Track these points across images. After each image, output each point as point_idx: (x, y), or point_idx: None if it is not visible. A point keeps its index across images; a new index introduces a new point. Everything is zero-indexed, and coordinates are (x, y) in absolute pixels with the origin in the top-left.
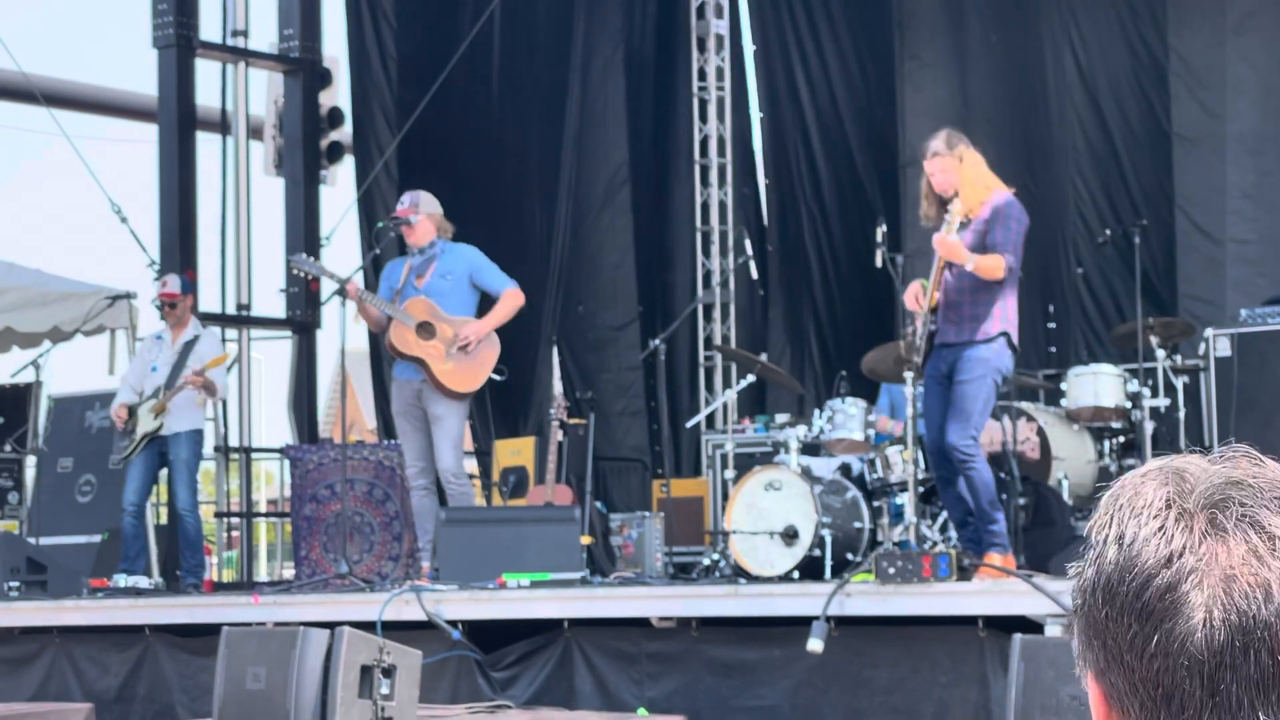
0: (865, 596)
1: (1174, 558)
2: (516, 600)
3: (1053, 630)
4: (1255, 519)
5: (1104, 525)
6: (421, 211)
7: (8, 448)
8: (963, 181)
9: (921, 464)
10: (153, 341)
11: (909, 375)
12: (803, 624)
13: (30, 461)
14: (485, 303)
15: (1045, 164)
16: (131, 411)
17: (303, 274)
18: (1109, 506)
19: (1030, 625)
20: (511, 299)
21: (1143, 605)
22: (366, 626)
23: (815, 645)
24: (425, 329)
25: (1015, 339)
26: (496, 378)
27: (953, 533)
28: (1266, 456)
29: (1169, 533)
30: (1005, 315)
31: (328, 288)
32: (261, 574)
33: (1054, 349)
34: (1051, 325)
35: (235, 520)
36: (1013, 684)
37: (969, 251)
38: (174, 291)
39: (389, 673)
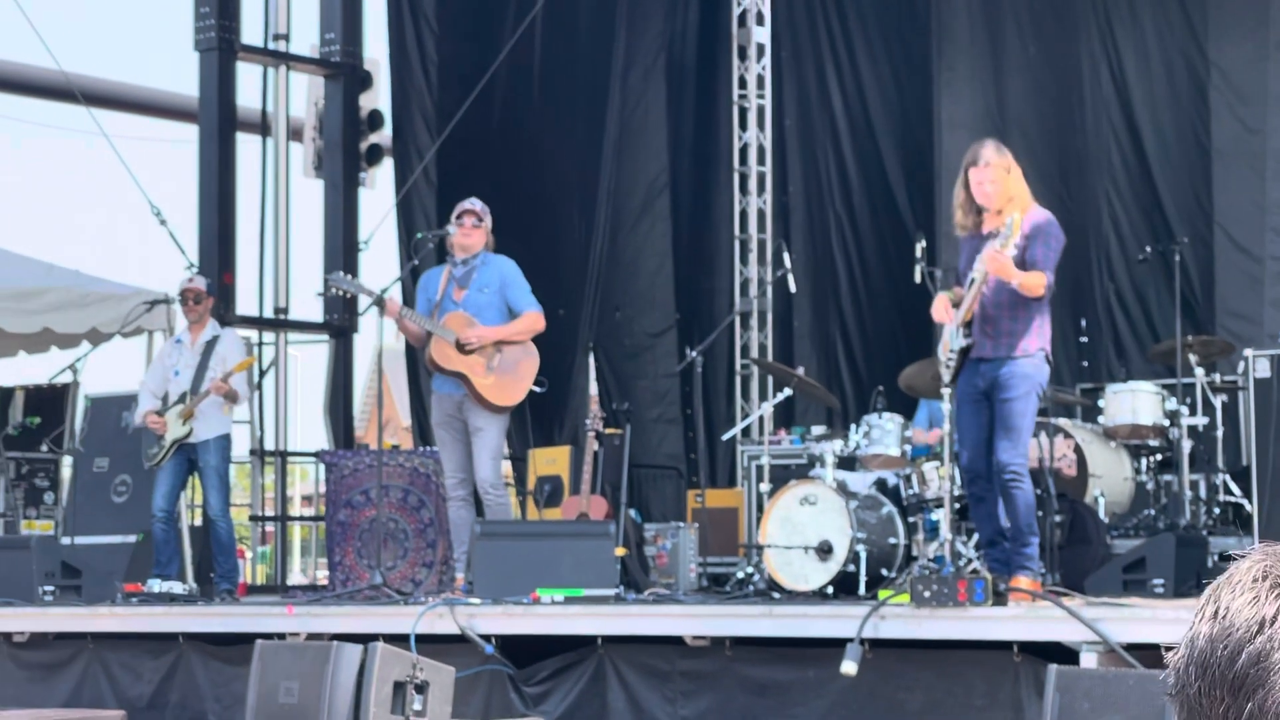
0: (900, 619)
1: (1265, 625)
2: (550, 616)
3: (1088, 659)
4: None
5: (1202, 604)
6: (485, 223)
7: (44, 448)
8: (1011, 194)
9: (957, 480)
10: (171, 346)
11: (946, 392)
12: (837, 645)
13: (66, 462)
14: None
15: (1080, 178)
16: (160, 415)
17: (340, 292)
18: (1210, 588)
19: (1065, 650)
20: (530, 320)
21: (1234, 675)
22: (400, 638)
23: (849, 667)
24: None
25: (1050, 355)
26: (537, 389)
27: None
28: None
29: (1262, 601)
30: (1042, 331)
31: (365, 302)
32: (295, 571)
33: (1085, 364)
34: (1083, 340)
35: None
36: (1048, 716)
37: (1016, 269)
38: (199, 287)
39: (422, 689)
